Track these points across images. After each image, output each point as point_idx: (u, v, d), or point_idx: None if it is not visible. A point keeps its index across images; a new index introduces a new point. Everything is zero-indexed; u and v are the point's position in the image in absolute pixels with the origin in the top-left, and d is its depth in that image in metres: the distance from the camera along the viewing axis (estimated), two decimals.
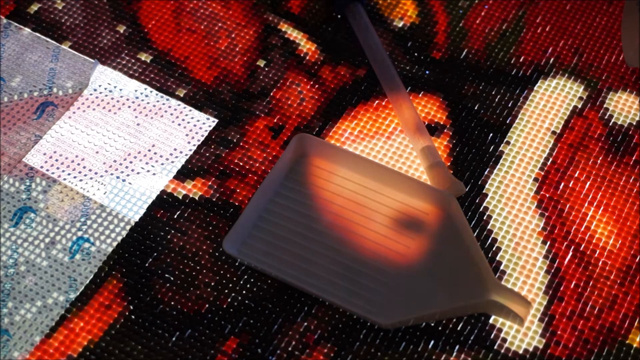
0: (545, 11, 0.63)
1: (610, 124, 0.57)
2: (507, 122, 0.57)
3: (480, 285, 0.49)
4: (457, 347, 0.49)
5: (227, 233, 0.52)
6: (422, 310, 0.49)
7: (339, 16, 0.62)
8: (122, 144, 0.57)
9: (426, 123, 0.57)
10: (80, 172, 0.55)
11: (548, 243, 0.53)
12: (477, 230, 0.53)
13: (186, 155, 0.56)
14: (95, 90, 0.59)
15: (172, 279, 0.51)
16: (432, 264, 0.51)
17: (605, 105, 0.58)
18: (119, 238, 0.53)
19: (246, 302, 0.51)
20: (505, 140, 0.57)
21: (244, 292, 0.51)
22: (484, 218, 0.53)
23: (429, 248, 0.51)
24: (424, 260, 0.51)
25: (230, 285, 0.51)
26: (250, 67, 0.60)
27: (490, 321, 0.50)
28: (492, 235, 0.53)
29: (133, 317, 0.50)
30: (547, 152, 0.56)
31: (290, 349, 0.49)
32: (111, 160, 0.56)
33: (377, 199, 0.53)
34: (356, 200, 0.53)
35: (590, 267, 0.52)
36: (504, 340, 0.49)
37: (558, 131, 0.57)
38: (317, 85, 0.59)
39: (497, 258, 0.52)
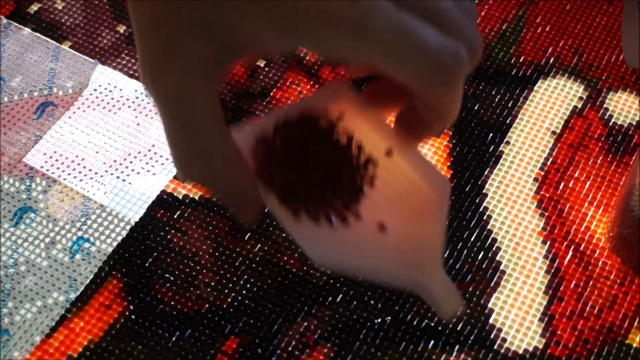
0: (545, 11, 0.63)
1: (610, 124, 0.57)
2: (507, 122, 0.57)
3: (420, 264, 0.45)
4: (457, 347, 0.49)
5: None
6: (363, 264, 0.44)
7: None
8: (122, 144, 0.57)
9: None
10: (80, 172, 0.55)
11: (548, 243, 0.53)
12: (477, 230, 0.53)
13: None
14: (95, 90, 0.59)
15: (172, 279, 0.51)
16: (390, 224, 0.46)
17: (605, 105, 0.58)
18: (119, 238, 0.53)
19: (246, 302, 0.51)
20: (505, 140, 0.57)
21: (244, 292, 0.51)
22: (484, 218, 0.53)
23: (398, 214, 0.47)
24: (386, 217, 0.46)
25: (230, 285, 0.51)
26: (250, 67, 0.60)
27: (490, 321, 0.50)
28: (492, 235, 0.53)
29: (133, 317, 0.50)
30: (547, 152, 0.56)
31: (290, 349, 0.49)
32: (111, 160, 0.56)
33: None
34: None
35: (590, 267, 0.52)
36: (504, 340, 0.49)
37: (558, 131, 0.57)
38: (317, 85, 0.59)
39: (497, 258, 0.52)
